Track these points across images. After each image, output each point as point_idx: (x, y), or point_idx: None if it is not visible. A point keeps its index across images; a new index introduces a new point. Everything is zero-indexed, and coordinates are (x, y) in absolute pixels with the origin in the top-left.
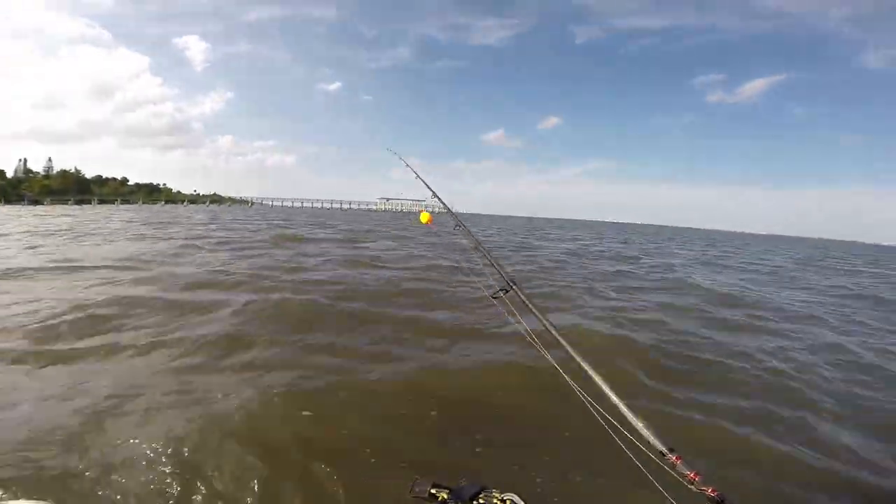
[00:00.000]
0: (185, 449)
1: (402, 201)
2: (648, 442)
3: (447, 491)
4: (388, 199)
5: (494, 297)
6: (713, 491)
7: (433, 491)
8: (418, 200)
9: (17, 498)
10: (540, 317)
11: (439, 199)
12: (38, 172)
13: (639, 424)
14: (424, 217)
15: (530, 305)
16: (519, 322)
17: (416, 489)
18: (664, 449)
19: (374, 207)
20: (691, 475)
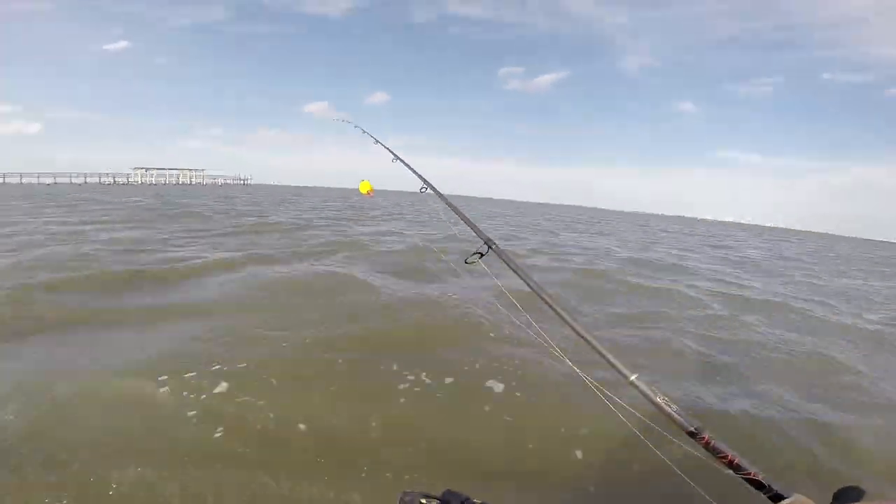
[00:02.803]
0: None
1: (170, 172)
2: (674, 421)
3: (437, 500)
4: (146, 170)
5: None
6: (755, 474)
7: (423, 501)
8: (196, 170)
9: None
10: (526, 279)
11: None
12: None
13: (660, 400)
14: (365, 187)
15: (513, 267)
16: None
17: (406, 499)
18: (692, 428)
19: (129, 181)
20: (729, 456)
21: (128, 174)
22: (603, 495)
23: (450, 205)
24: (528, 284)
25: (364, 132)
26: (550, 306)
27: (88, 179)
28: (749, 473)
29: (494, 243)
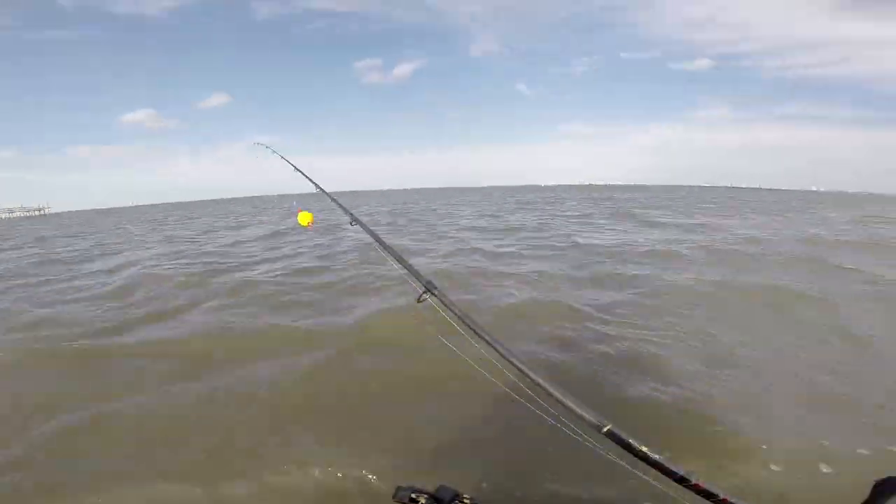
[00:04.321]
0: None
1: None
2: (663, 468)
3: (426, 496)
4: None
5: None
6: None
7: (413, 496)
8: (25, 208)
9: None
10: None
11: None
12: None
13: (643, 449)
14: (305, 219)
15: (457, 312)
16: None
17: (399, 495)
18: (682, 474)
19: None
20: (721, 497)
21: None
22: None
23: (383, 244)
24: (476, 332)
25: (282, 158)
26: (503, 356)
27: None
28: None
29: (436, 287)
